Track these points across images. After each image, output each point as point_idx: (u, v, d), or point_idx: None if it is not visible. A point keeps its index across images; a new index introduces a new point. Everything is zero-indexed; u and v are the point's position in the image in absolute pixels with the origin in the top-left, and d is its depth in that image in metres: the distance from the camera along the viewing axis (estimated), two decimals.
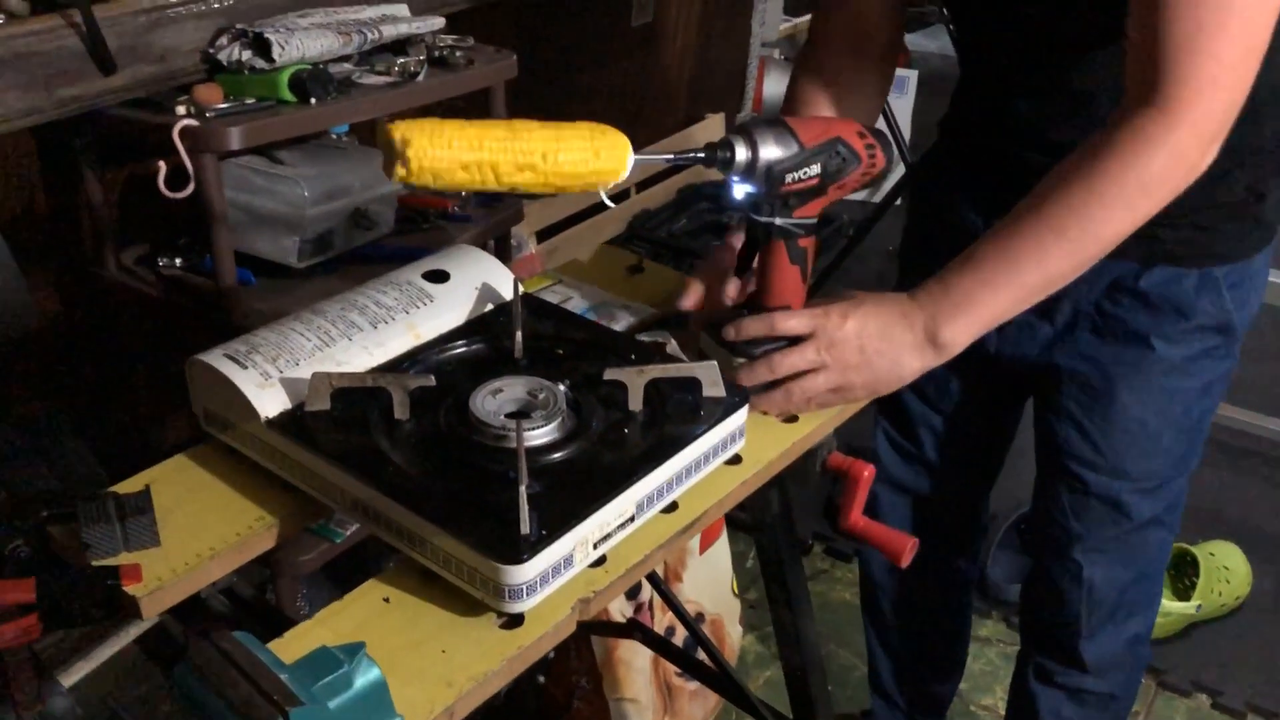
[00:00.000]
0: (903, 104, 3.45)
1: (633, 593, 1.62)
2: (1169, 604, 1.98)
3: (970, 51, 1.25)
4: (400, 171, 0.79)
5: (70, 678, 1.46)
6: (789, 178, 0.93)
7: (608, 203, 0.89)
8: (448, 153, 0.78)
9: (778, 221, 0.96)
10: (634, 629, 1.43)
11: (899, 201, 2.91)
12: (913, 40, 3.89)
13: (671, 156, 0.92)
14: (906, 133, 3.30)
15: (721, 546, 1.85)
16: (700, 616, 1.79)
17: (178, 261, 1.57)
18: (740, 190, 0.94)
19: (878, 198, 3.06)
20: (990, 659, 1.97)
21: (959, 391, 1.39)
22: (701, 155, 0.92)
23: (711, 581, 1.82)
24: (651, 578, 1.41)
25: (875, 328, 0.98)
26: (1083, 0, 1.04)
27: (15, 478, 1.29)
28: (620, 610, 1.58)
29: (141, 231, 1.65)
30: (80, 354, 1.66)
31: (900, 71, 3.48)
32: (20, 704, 0.92)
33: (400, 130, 0.78)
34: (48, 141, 1.52)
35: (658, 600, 1.65)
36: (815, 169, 0.94)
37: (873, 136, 0.98)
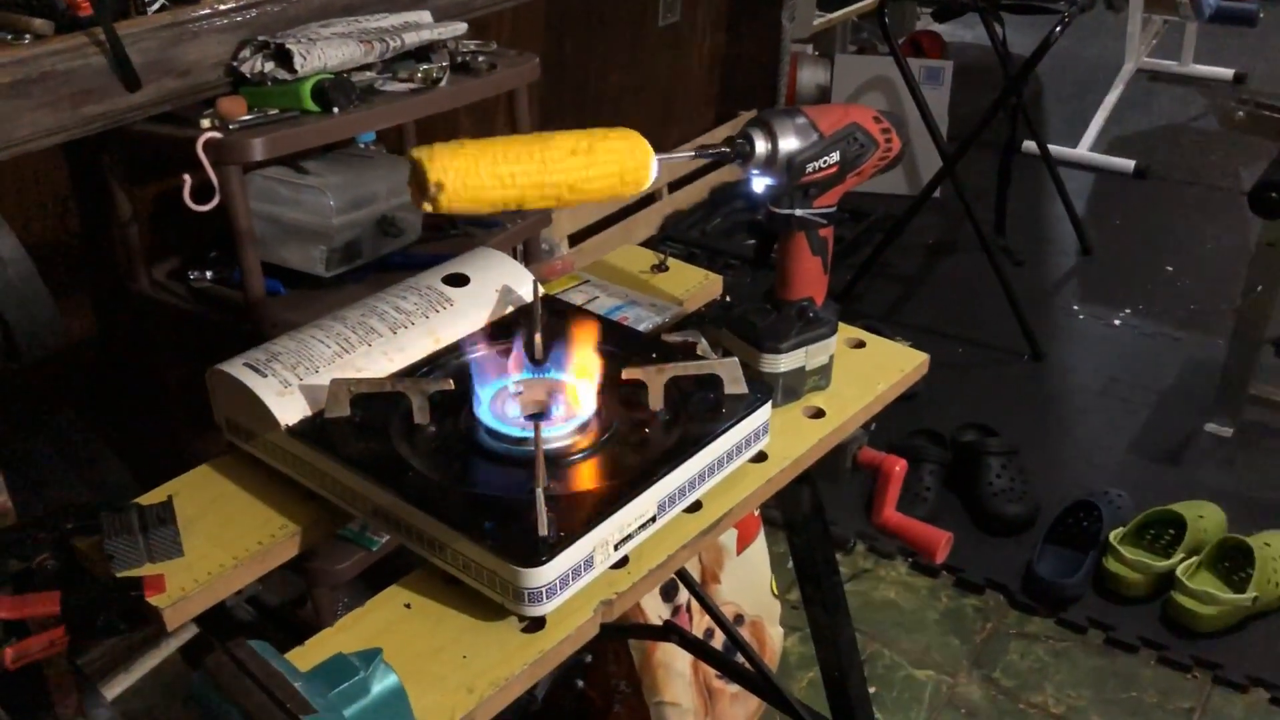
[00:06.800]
0: (938, 95, 3.39)
1: (670, 595, 1.60)
2: (1223, 595, 1.93)
3: None
4: (428, 207, 0.80)
5: (112, 690, 1.47)
6: (810, 167, 0.92)
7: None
8: (479, 192, 0.79)
9: (798, 212, 0.94)
10: (670, 632, 1.41)
11: (936, 194, 2.87)
12: (948, 30, 3.82)
13: (693, 153, 0.91)
14: (943, 125, 3.24)
15: (759, 546, 1.82)
16: (739, 618, 1.76)
17: (208, 274, 1.58)
18: (760, 183, 0.93)
19: (915, 190, 3.02)
20: (1039, 656, 1.93)
21: None
22: (723, 150, 0.91)
23: (750, 582, 1.80)
24: (687, 580, 1.39)
25: None
26: None
27: (50, 491, 1.30)
28: (657, 613, 1.57)
29: (172, 245, 1.66)
30: (115, 368, 1.68)
31: (935, 63, 3.43)
32: (63, 717, 0.92)
33: (435, 172, 0.78)
34: (78, 159, 1.54)
35: (695, 602, 1.64)
36: (835, 157, 0.92)
37: (887, 120, 0.97)
